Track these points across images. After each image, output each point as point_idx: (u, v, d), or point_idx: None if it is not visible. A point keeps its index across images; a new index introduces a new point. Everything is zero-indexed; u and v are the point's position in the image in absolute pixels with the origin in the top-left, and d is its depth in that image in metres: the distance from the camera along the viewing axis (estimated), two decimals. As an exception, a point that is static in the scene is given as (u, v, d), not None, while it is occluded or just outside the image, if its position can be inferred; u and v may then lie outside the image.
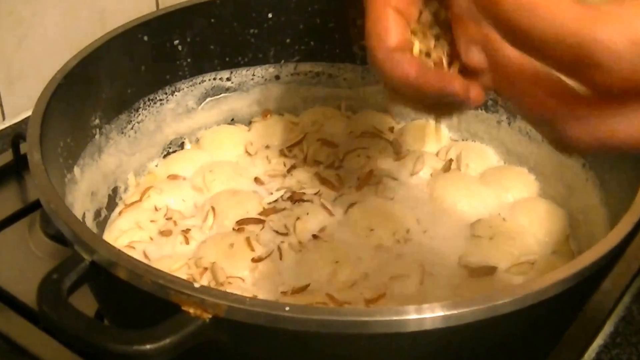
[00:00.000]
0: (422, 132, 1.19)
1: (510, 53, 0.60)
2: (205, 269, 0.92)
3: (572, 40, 0.48)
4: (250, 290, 0.90)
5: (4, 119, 1.35)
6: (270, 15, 1.18)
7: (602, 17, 0.47)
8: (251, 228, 0.99)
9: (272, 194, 1.06)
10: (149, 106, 1.12)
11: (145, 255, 0.96)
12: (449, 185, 1.06)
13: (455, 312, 0.64)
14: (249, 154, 1.16)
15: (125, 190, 1.09)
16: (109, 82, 1.03)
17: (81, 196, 0.95)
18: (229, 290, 0.88)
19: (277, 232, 1.00)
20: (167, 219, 1.02)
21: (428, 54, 0.71)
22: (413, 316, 0.64)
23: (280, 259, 0.95)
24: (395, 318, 0.64)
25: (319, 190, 1.06)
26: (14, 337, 0.92)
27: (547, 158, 1.09)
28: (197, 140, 1.20)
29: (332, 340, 0.67)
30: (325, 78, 1.25)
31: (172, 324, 0.65)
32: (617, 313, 0.97)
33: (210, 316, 0.65)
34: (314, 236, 0.99)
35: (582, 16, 0.48)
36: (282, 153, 1.16)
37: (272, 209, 1.03)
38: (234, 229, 0.99)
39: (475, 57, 0.66)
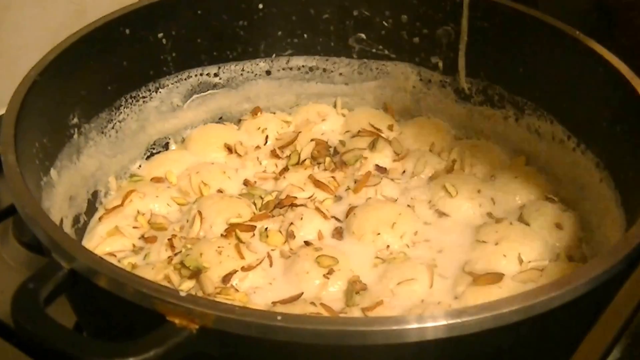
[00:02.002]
0: (423, 130, 1.21)
1: None
2: (192, 278, 0.92)
3: None
4: (240, 301, 0.90)
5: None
6: (260, 6, 1.19)
7: None
8: (241, 234, 0.99)
9: (262, 197, 1.07)
10: (131, 104, 1.12)
11: (128, 264, 0.97)
12: (451, 187, 1.06)
13: (459, 321, 0.65)
14: (238, 155, 1.17)
15: (106, 194, 1.09)
16: (88, 79, 1.04)
17: (59, 201, 0.96)
18: (217, 300, 0.88)
19: (267, 238, 1.00)
20: (150, 224, 1.03)
21: None
22: (414, 325, 0.65)
23: (270, 266, 0.96)
24: (395, 328, 0.65)
25: (313, 194, 1.07)
26: (-15, 354, 0.92)
27: (558, 157, 1.09)
28: (183, 140, 1.21)
29: (327, 352, 0.67)
30: (319, 73, 1.25)
31: (156, 335, 0.66)
32: (635, 324, 0.97)
33: (197, 327, 0.66)
34: (306, 243, 1.00)
35: None
36: (273, 154, 1.17)
37: (263, 214, 1.04)
38: (222, 235, 1.00)
39: None
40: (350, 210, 1.04)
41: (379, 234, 1.00)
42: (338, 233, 1.02)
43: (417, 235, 1.01)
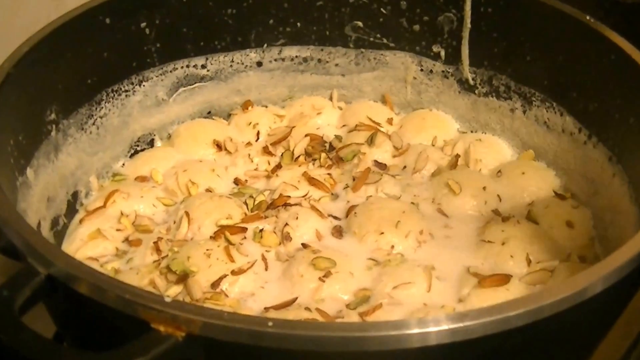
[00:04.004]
0: (425, 124, 1.21)
1: None
2: (179, 283, 0.93)
3: None
4: (230, 306, 0.90)
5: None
6: (250, -7, 1.19)
7: None
8: (231, 236, 0.99)
9: (253, 197, 1.07)
10: (112, 98, 1.12)
11: (111, 269, 0.97)
12: (455, 184, 1.06)
13: (462, 325, 0.65)
14: (228, 152, 1.17)
15: (87, 194, 1.09)
16: (65, 71, 1.03)
17: (35, 202, 0.96)
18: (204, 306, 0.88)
19: (261, 239, 1.00)
20: (135, 226, 1.03)
21: None
22: (415, 330, 0.65)
23: (266, 269, 0.96)
24: (394, 333, 0.65)
25: (307, 192, 1.07)
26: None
27: (568, 151, 1.10)
28: (169, 137, 1.21)
29: (322, 359, 0.67)
30: (313, 64, 1.25)
31: (141, 343, 0.66)
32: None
33: (184, 334, 0.66)
34: (304, 245, 1.00)
35: None
36: (265, 150, 1.17)
37: (255, 215, 1.04)
38: (211, 237, 1.00)
39: None
40: (351, 209, 1.05)
41: (382, 233, 1.00)
42: (338, 232, 1.02)
43: (423, 235, 1.01)
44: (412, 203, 1.06)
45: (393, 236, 1.00)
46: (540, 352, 0.76)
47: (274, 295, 0.93)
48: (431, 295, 0.92)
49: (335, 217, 1.05)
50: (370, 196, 1.07)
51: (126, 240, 1.02)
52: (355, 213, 1.03)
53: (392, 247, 0.99)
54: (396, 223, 1.01)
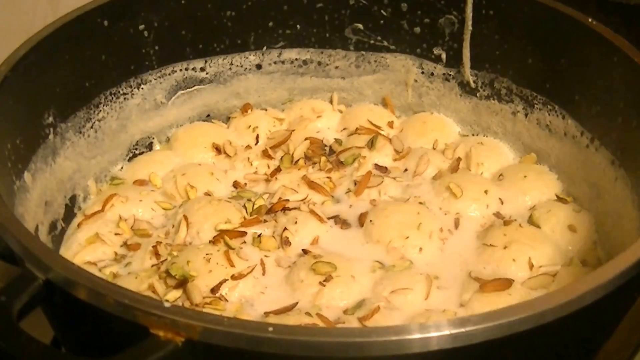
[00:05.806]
0: (426, 127, 1.21)
1: None
2: (179, 287, 0.93)
3: None
4: (230, 311, 0.91)
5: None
6: (249, -5, 1.20)
7: None
8: (230, 241, 0.99)
9: (252, 200, 1.07)
10: (111, 101, 1.12)
11: (109, 273, 0.97)
12: (456, 187, 1.07)
13: (463, 330, 0.65)
14: (227, 155, 1.17)
15: (85, 198, 1.10)
16: (63, 74, 1.04)
17: (33, 206, 0.96)
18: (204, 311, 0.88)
19: (260, 244, 1.01)
20: (133, 230, 1.03)
21: None
22: (416, 335, 0.65)
23: (264, 274, 0.97)
24: (395, 338, 0.65)
25: (307, 196, 1.07)
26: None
27: (570, 154, 1.10)
28: (168, 140, 1.22)
29: (322, 365, 0.68)
30: (313, 66, 1.26)
31: (139, 349, 0.66)
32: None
33: (183, 339, 0.66)
34: (304, 251, 1.00)
35: None
36: (265, 154, 1.17)
37: (254, 219, 1.04)
38: (210, 242, 1.00)
39: None
40: (363, 216, 1.05)
41: (407, 237, 1.00)
42: (351, 240, 1.03)
43: (443, 232, 1.02)
44: (420, 203, 1.06)
45: (417, 238, 1.00)
46: (542, 357, 0.76)
47: (274, 300, 0.93)
48: (432, 300, 0.92)
49: (335, 222, 1.05)
50: (374, 200, 1.08)
51: (125, 244, 1.02)
52: (370, 221, 1.03)
53: (420, 249, 1.00)
54: (418, 225, 1.01)
